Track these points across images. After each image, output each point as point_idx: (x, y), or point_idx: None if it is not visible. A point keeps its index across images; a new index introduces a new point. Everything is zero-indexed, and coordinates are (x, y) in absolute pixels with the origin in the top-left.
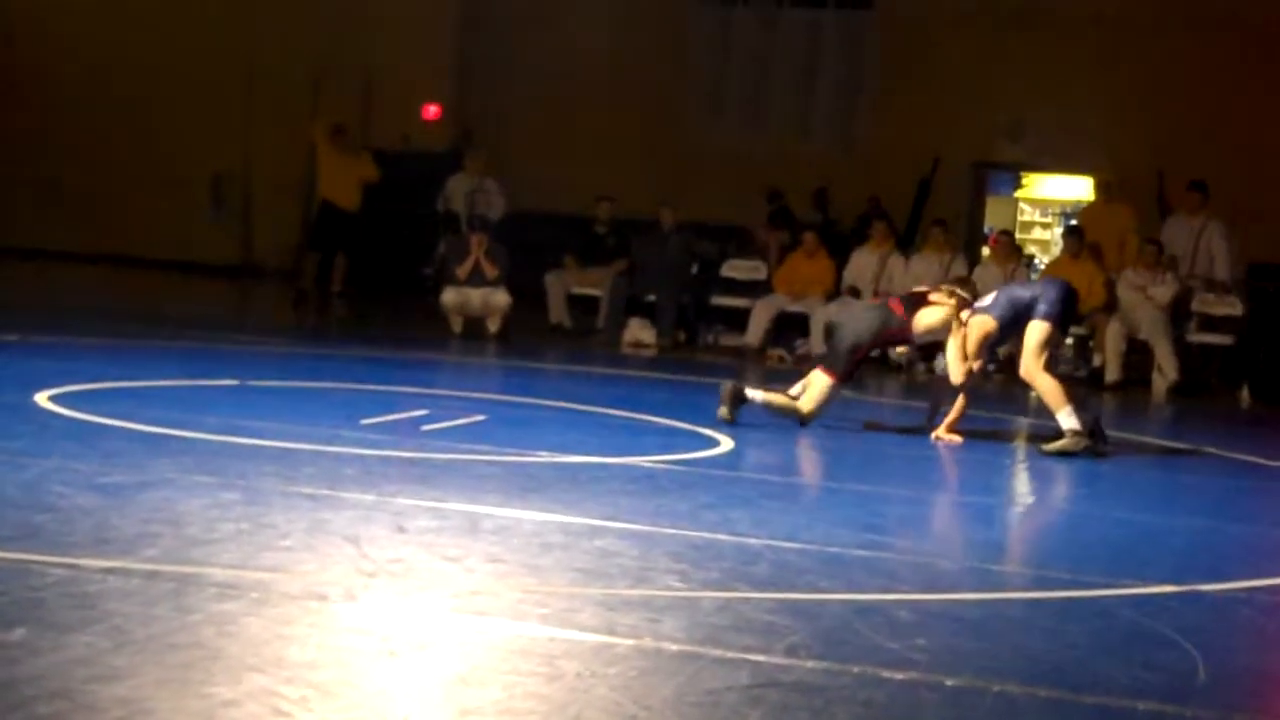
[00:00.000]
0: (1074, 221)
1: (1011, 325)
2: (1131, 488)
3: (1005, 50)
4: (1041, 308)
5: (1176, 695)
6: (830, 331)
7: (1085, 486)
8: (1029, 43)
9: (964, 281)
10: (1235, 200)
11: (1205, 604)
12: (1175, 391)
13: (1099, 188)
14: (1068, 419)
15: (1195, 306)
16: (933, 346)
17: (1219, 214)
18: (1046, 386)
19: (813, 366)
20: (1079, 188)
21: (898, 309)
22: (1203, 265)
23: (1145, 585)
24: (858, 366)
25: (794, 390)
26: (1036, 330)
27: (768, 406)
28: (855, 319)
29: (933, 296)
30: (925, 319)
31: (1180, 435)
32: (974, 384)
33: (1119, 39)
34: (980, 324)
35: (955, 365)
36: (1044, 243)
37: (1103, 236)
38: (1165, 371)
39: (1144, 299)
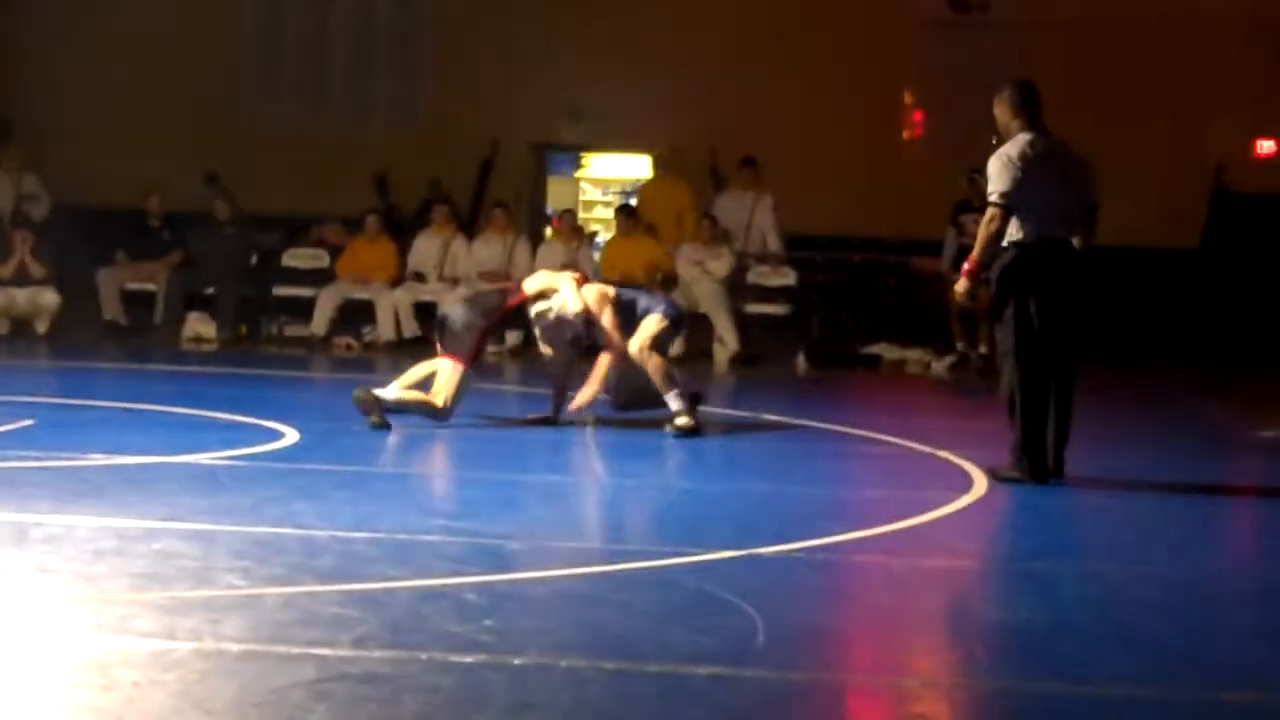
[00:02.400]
0: (628, 199)
1: (630, 314)
2: (696, 458)
3: (562, 31)
4: (668, 309)
5: (735, 658)
6: (443, 321)
7: (651, 459)
8: (585, 22)
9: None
10: (784, 175)
11: (765, 566)
12: (736, 362)
13: (655, 165)
14: (675, 400)
15: (750, 279)
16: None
17: (769, 188)
18: (657, 366)
19: (436, 354)
20: (638, 166)
21: (515, 288)
22: (756, 238)
23: (708, 552)
24: (482, 347)
25: (412, 377)
26: (658, 320)
27: (402, 407)
28: (469, 301)
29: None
30: (549, 286)
31: (741, 404)
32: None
33: (675, 18)
34: (602, 289)
35: (616, 335)
36: (606, 221)
37: (660, 213)
38: (725, 342)
39: (702, 273)
